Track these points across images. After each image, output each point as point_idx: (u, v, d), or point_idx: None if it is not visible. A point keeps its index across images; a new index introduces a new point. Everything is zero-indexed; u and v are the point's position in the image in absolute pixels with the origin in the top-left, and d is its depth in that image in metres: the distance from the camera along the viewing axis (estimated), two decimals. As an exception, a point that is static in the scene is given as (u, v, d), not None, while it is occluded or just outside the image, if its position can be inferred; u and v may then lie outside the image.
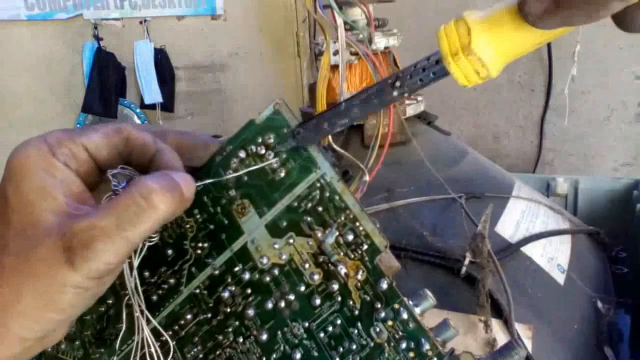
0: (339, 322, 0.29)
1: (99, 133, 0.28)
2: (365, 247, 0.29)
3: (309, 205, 0.31)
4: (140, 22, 1.48)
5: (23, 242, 0.24)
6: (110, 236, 0.23)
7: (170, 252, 0.34)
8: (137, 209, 0.24)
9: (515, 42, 0.23)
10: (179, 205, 0.26)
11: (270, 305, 0.31)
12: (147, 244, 0.30)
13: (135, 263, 0.29)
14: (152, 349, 0.30)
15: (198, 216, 0.34)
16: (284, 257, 0.31)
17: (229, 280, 0.32)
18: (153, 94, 1.49)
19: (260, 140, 0.33)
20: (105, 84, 1.41)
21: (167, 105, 1.57)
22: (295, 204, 0.31)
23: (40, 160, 0.25)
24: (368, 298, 0.29)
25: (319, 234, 0.30)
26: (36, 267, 0.24)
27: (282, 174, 0.32)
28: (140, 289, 0.31)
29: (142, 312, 0.31)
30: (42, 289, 0.23)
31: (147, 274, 0.34)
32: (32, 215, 0.24)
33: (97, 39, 1.42)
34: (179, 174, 0.27)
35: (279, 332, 0.30)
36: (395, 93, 0.26)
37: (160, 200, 0.25)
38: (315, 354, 0.29)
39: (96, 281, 0.24)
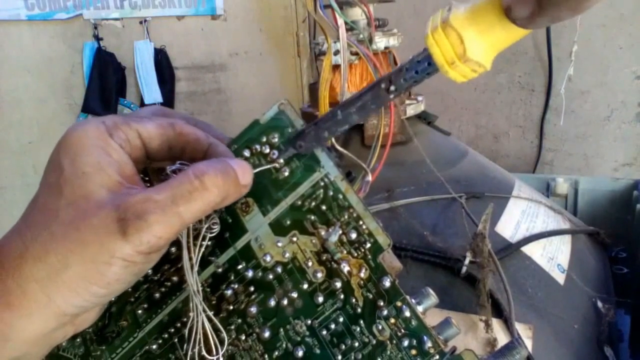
0: (341, 319, 0.29)
1: (153, 123, 0.28)
2: (369, 245, 0.30)
3: (313, 203, 0.31)
4: (140, 22, 1.48)
5: (74, 212, 0.24)
6: (164, 209, 0.24)
7: (173, 249, 0.34)
8: (190, 187, 0.24)
9: (506, 38, 0.23)
10: (233, 190, 0.27)
11: (273, 302, 0.31)
12: (209, 234, 0.30)
13: (196, 255, 0.30)
14: (210, 338, 0.30)
15: (201, 214, 0.34)
16: (287, 255, 0.31)
17: (232, 278, 0.32)
18: (153, 94, 1.49)
19: (264, 139, 0.33)
20: (105, 84, 1.41)
21: (167, 105, 1.57)
22: (299, 202, 0.32)
23: (98, 138, 0.26)
24: (371, 296, 0.29)
25: (323, 233, 0.30)
26: (86, 236, 0.23)
27: (286, 173, 0.32)
28: (197, 283, 0.32)
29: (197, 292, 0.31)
30: (90, 258, 0.23)
31: (150, 271, 0.34)
32: (86, 187, 0.24)
33: (97, 39, 1.42)
34: (235, 160, 0.28)
35: (282, 330, 0.30)
36: (391, 96, 0.27)
37: (213, 183, 0.25)
38: (318, 351, 0.29)
39: (144, 256, 0.24)
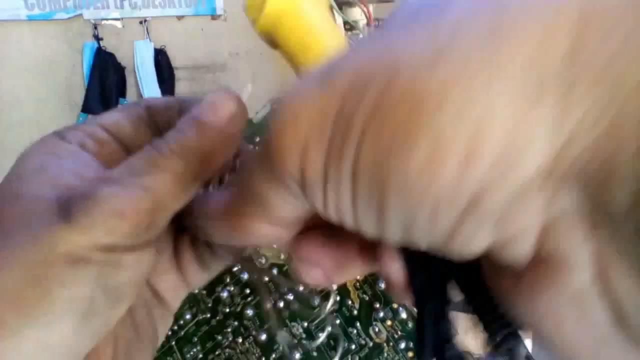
0: (338, 321, 0.29)
1: (118, 111, 0.22)
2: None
3: None
4: (140, 22, 1.48)
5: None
6: (120, 182, 0.16)
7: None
8: (151, 156, 0.17)
9: None
10: (208, 138, 0.18)
11: (269, 305, 0.31)
12: None
13: None
14: None
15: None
16: (282, 256, 0.31)
17: (228, 280, 0.32)
18: (153, 94, 1.49)
19: (257, 139, 0.33)
20: (105, 84, 1.41)
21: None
22: None
23: (43, 145, 0.20)
24: (367, 298, 0.29)
25: (318, 234, 0.30)
26: (12, 232, 0.16)
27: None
28: None
29: None
30: (21, 262, 0.15)
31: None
32: (20, 188, 0.18)
33: (97, 39, 1.42)
34: (203, 102, 0.19)
35: (278, 332, 0.30)
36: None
37: (174, 145, 0.18)
38: (315, 353, 0.29)
39: (107, 253, 0.16)
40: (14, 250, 0.15)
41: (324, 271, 0.15)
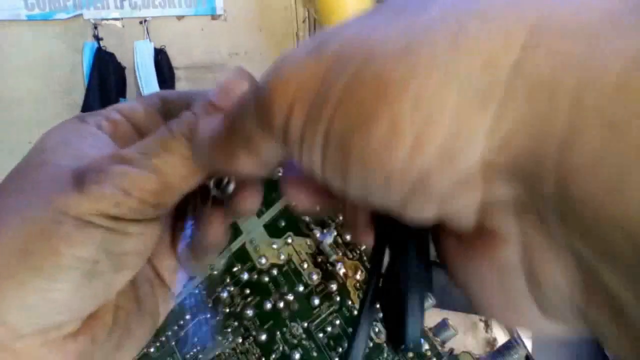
0: (337, 322, 0.29)
1: (133, 101, 0.23)
2: (364, 247, 0.29)
3: None
4: (140, 22, 1.47)
5: (20, 178, 0.18)
6: (132, 161, 0.17)
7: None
8: (162, 138, 0.18)
9: None
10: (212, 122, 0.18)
11: (269, 305, 0.31)
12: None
13: None
14: None
15: (197, 216, 0.34)
16: (282, 257, 0.31)
17: (228, 280, 0.32)
18: (153, 94, 1.49)
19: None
20: (105, 84, 1.41)
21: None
22: (294, 203, 0.31)
23: (65, 126, 0.21)
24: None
25: (318, 234, 0.30)
26: (29, 192, 0.17)
27: (280, 173, 0.32)
28: None
29: None
30: (32, 217, 0.17)
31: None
32: (42, 157, 0.19)
33: (97, 39, 1.42)
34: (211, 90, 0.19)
35: (278, 333, 0.30)
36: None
37: (181, 127, 0.18)
38: (315, 354, 0.29)
39: (111, 220, 0.17)
40: (29, 208, 0.17)
41: (307, 198, 0.17)
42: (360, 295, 0.29)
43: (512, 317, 0.13)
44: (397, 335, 0.14)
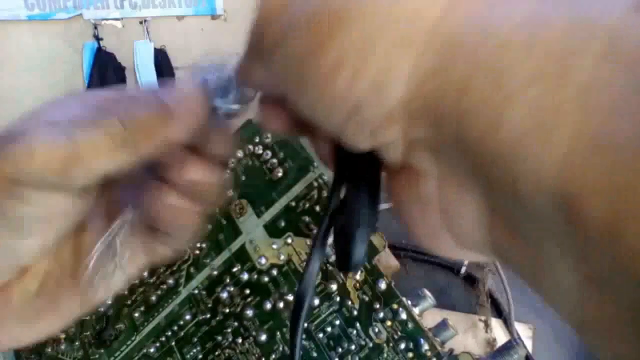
0: (337, 322, 0.29)
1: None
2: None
3: (307, 205, 0.31)
4: (140, 22, 1.47)
5: None
6: (52, 128, 0.17)
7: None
8: (90, 113, 0.18)
9: None
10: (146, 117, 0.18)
11: (269, 305, 0.31)
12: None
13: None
14: None
15: (196, 216, 0.34)
16: (282, 257, 0.31)
17: (228, 280, 0.32)
18: (153, 94, 1.49)
19: (257, 139, 0.33)
20: (105, 84, 1.41)
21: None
22: (294, 203, 0.31)
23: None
24: (367, 298, 0.29)
25: (318, 234, 0.30)
26: None
27: (280, 174, 0.32)
28: None
29: None
30: None
31: (145, 274, 0.34)
32: (17, 124, 0.18)
33: (97, 39, 1.42)
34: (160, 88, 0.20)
35: (278, 333, 0.30)
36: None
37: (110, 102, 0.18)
38: (314, 354, 0.29)
39: (17, 185, 0.17)
40: None
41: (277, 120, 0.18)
42: (360, 296, 0.29)
43: (434, 246, 0.15)
44: (344, 261, 0.17)
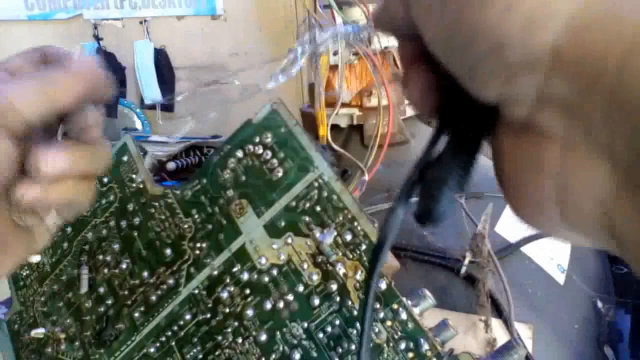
0: (337, 322, 0.29)
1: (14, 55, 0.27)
2: (364, 247, 0.29)
3: (307, 205, 0.31)
4: (140, 22, 1.47)
5: None
6: None
7: (169, 252, 0.34)
8: None
9: None
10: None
11: (269, 305, 0.31)
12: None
13: None
14: None
15: (196, 216, 0.34)
16: (282, 257, 0.31)
17: (228, 280, 0.32)
18: (153, 94, 1.49)
19: (257, 139, 0.33)
20: (106, 84, 1.41)
21: (167, 105, 1.57)
22: (294, 203, 0.31)
23: None
24: None
25: (318, 234, 0.30)
26: None
27: (280, 174, 0.32)
28: None
29: None
30: None
31: (145, 274, 0.34)
32: None
33: (97, 39, 1.42)
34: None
35: (278, 333, 0.30)
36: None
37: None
38: (315, 354, 0.29)
39: None
40: None
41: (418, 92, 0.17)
42: (360, 296, 0.29)
43: (534, 217, 0.14)
44: (428, 212, 0.16)
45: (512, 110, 0.13)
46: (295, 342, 0.30)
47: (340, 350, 0.29)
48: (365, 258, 0.29)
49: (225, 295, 0.32)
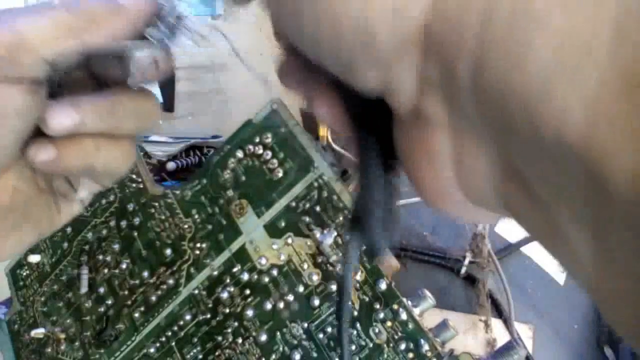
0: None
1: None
2: (364, 247, 0.29)
3: (307, 205, 0.31)
4: (140, 22, 1.47)
5: None
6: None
7: (169, 252, 0.34)
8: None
9: None
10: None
11: (269, 306, 0.31)
12: None
13: None
14: None
15: (196, 217, 0.34)
16: (282, 257, 0.31)
17: (228, 280, 0.32)
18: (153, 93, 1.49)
19: (258, 140, 0.33)
20: (105, 84, 1.41)
21: (167, 105, 1.57)
22: (294, 204, 0.31)
23: None
24: (367, 299, 0.29)
25: (318, 234, 0.30)
26: None
27: (280, 174, 0.32)
28: None
29: None
30: None
31: (145, 274, 0.34)
32: None
33: (97, 39, 1.42)
34: None
35: (278, 333, 0.30)
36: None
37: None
38: (315, 354, 0.29)
39: None
40: None
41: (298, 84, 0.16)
42: (360, 296, 0.29)
43: (443, 203, 0.14)
44: (371, 248, 0.16)
45: (396, 100, 0.12)
46: (295, 342, 0.30)
47: (340, 350, 0.29)
48: (365, 258, 0.29)
49: (225, 295, 0.32)
